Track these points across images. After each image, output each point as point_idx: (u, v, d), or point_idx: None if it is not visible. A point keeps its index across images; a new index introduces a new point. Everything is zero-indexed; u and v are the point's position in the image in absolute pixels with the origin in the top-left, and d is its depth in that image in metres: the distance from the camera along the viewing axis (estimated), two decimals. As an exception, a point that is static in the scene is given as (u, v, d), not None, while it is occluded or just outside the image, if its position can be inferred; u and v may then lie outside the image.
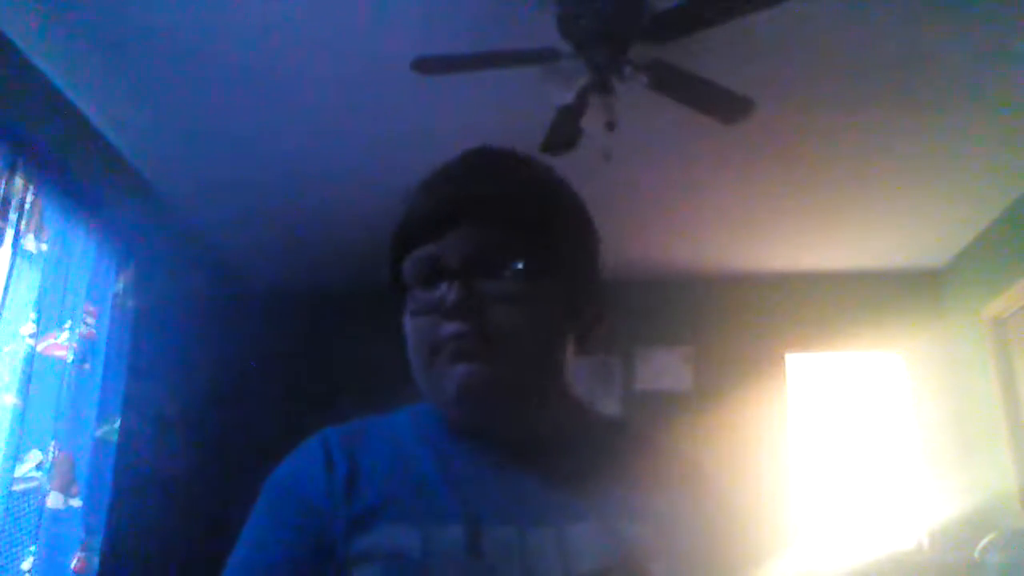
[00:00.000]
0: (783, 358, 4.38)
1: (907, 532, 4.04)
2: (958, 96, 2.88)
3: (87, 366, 2.91)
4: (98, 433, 2.95)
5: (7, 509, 2.48)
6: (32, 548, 2.56)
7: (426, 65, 2.47)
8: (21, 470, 2.56)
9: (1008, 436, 3.62)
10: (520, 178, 0.82)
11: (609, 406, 4.20)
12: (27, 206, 2.63)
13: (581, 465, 0.78)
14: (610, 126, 2.46)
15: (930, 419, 4.15)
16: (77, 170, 2.95)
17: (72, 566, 2.74)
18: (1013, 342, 3.71)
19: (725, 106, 2.61)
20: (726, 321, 4.42)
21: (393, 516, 0.73)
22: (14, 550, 2.50)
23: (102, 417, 2.97)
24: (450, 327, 0.75)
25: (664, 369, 4.40)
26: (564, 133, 2.68)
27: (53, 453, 2.68)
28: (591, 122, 2.59)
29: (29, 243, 2.65)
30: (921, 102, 2.92)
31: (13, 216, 2.56)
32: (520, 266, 0.76)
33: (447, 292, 0.75)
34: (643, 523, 0.73)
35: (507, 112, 2.96)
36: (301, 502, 0.77)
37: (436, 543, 0.71)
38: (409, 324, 0.80)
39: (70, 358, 2.81)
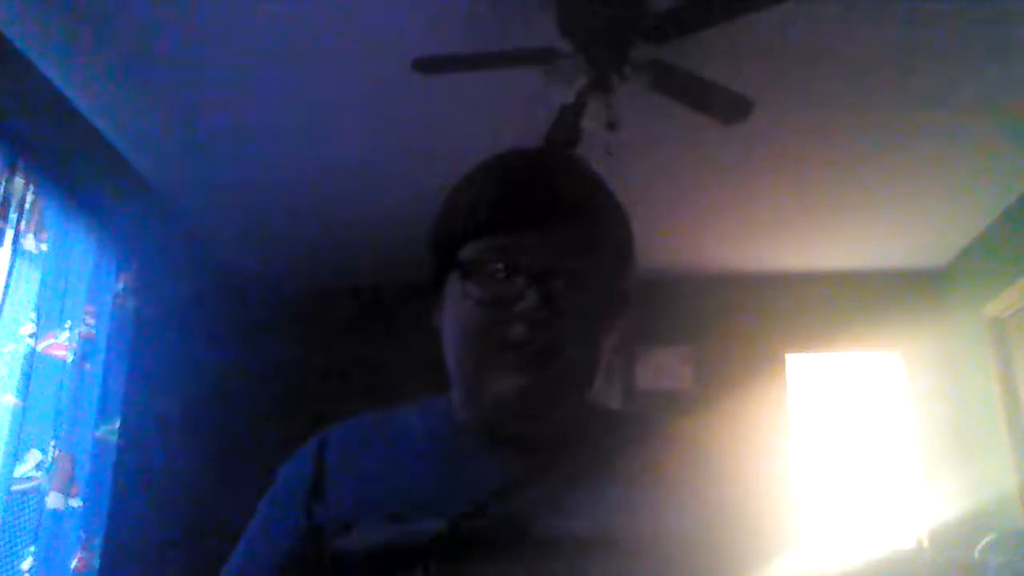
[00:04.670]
0: (783, 358, 4.38)
1: (907, 532, 4.04)
2: (958, 96, 2.88)
3: (87, 366, 2.91)
4: (98, 433, 2.95)
5: (7, 509, 2.48)
6: (32, 548, 2.55)
7: (426, 65, 2.47)
8: (21, 470, 2.56)
9: (1008, 436, 3.62)
10: (595, 186, 0.82)
11: (610, 406, 4.20)
12: (27, 206, 2.63)
13: (586, 460, 0.77)
14: (610, 126, 2.46)
15: (930, 419, 4.15)
16: (77, 170, 2.95)
17: (72, 566, 2.74)
18: (1013, 342, 3.71)
19: (725, 106, 2.61)
20: (726, 321, 4.42)
21: (381, 515, 0.74)
22: (14, 550, 2.50)
23: (102, 417, 2.97)
24: (522, 329, 0.73)
25: (664, 369, 4.40)
26: (564, 133, 2.68)
27: (53, 453, 2.68)
28: (591, 122, 2.59)
29: (29, 243, 2.65)
30: (921, 102, 2.92)
31: (13, 216, 2.56)
32: (595, 274, 0.76)
33: (526, 292, 0.73)
34: (640, 516, 0.73)
35: (507, 112, 2.96)
36: (289, 502, 0.79)
37: (421, 541, 0.71)
38: (464, 310, 0.76)
39: (70, 358, 2.80)
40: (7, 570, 2.48)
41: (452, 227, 0.79)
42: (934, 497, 3.99)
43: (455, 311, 0.77)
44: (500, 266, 0.75)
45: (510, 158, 0.83)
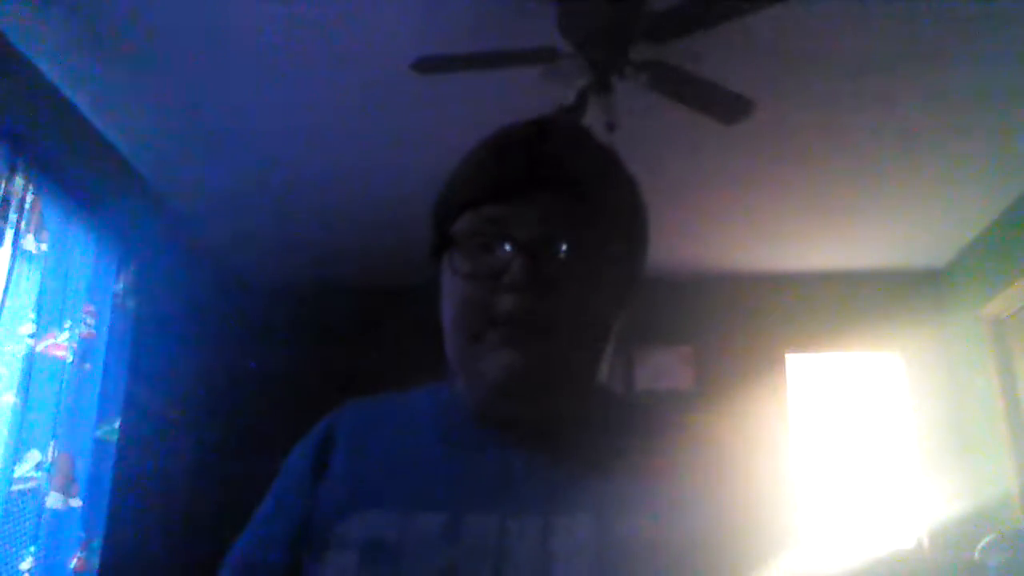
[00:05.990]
0: (783, 358, 4.38)
1: (907, 532, 4.04)
2: (958, 96, 2.88)
3: (87, 366, 2.91)
4: (98, 433, 2.95)
5: (7, 509, 2.48)
6: (32, 548, 2.56)
7: (426, 65, 2.47)
8: (21, 470, 2.56)
9: (1008, 436, 3.62)
10: (601, 156, 0.80)
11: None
12: (27, 206, 2.63)
13: (593, 452, 0.73)
14: (610, 126, 2.46)
15: (930, 419, 4.15)
16: (77, 170, 2.95)
17: (72, 566, 2.74)
18: (1013, 342, 3.71)
19: (725, 106, 2.61)
20: (726, 321, 4.41)
21: (376, 502, 0.71)
22: (14, 550, 2.50)
23: (102, 417, 2.97)
24: (509, 301, 0.69)
25: (664, 369, 4.40)
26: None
27: (53, 453, 2.68)
28: (591, 121, 2.59)
29: (29, 243, 2.65)
30: (921, 102, 2.92)
31: (13, 216, 2.56)
32: (595, 247, 0.72)
33: (513, 262, 0.69)
34: (643, 515, 0.69)
35: (507, 112, 2.95)
36: (292, 486, 0.78)
37: (413, 530, 0.68)
38: (453, 286, 0.73)
39: (70, 358, 2.80)
40: (7, 570, 2.48)
41: (447, 200, 0.77)
42: (934, 497, 3.99)
43: (446, 287, 0.74)
44: (488, 237, 0.71)
45: (511, 128, 0.80)
